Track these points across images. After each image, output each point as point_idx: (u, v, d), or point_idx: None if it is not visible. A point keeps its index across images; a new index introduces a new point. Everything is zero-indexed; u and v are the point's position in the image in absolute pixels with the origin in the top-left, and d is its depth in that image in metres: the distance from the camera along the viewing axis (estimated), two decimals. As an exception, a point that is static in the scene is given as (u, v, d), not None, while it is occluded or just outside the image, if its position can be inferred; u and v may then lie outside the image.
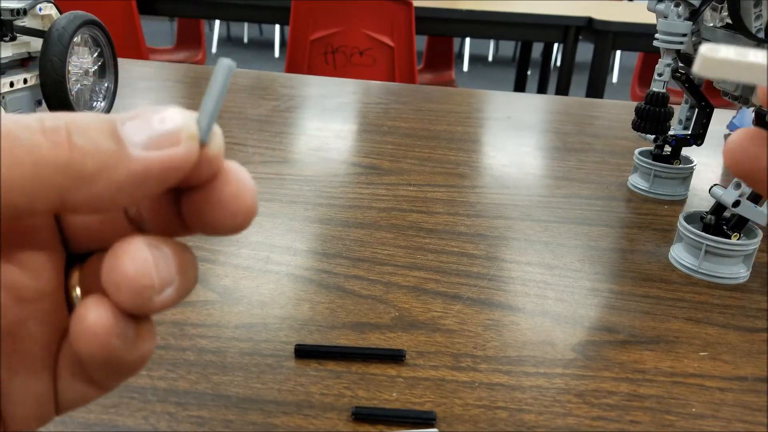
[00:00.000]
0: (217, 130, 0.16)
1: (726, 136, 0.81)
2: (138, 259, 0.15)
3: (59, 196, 0.14)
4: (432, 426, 0.30)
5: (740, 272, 0.45)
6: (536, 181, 0.62)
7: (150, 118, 0.15)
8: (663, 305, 0.41)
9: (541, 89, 2.61)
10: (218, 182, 0.16)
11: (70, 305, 0.17)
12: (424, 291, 0.41)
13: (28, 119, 0.14)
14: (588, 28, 1.93)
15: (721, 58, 0.16)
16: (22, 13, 0.56)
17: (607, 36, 1.89)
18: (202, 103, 0.16)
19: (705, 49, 0.16)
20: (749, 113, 0.77)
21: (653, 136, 0.58)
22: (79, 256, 0.17)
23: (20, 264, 0.16)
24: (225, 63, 0.16)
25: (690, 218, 0.47)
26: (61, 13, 0.61)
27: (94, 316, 0.15)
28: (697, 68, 0.16)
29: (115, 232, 0.17)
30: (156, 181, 0.14)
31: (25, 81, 0.58)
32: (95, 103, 0.65)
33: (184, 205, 0.16)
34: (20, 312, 0.16)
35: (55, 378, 0.17)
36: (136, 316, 0.16)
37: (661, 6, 0.52)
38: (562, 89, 2.03)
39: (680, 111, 0.60)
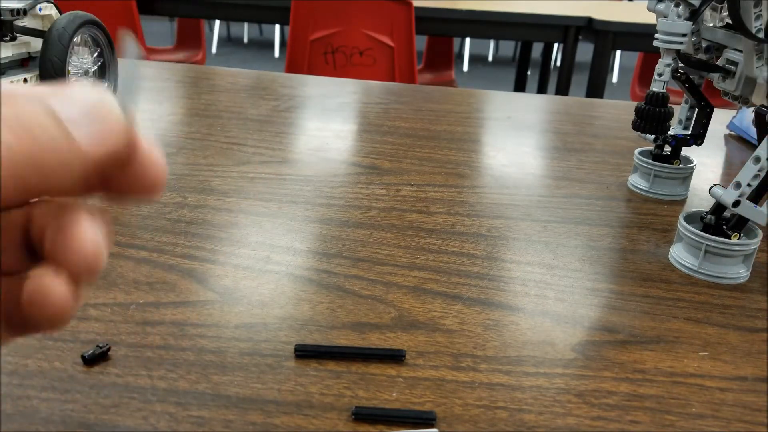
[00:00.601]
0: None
1: (726, 136, 0.81)
2: (93, 235, 0.16)
3: (29, 181, 0.15)
4: (432, 426, 0.30)
5: (740, 272, 0.45)
6: (536, 181, 0.62)
7: (78, 94, 0.16)
8: (663, 305, 0.41)
9: (541, 89, 2.61)
10: (137, 149, 0.17)
11: None
12: (424, 291, 0.41)
13: None
14: (588, 28, 1.93)
15: None
16: (22, 13, 0.56)
17: (607, 36, 1.89)
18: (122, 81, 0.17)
19: None
20: (749, 113, 0.77)
21: (653, 136, 0.58)
22: None
23: None
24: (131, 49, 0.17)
25: (690, 218, 0.47)
26: (61, 13, 0.61)
27: (59, 290, 0.16)
28: None
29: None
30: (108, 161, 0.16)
31: (25, 81, 0.58)
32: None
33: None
34: None
35: None
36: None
37: (661, 6, 0.52)
38: (562, 89, 2.03)
39: (680, 111, 0.60)
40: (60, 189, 0.15)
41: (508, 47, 5.00)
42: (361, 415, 0.30)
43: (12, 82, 0.56)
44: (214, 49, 4.62)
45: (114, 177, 0.17)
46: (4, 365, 0.32)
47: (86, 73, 0.62)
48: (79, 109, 0.16)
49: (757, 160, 0.44)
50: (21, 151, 0.14)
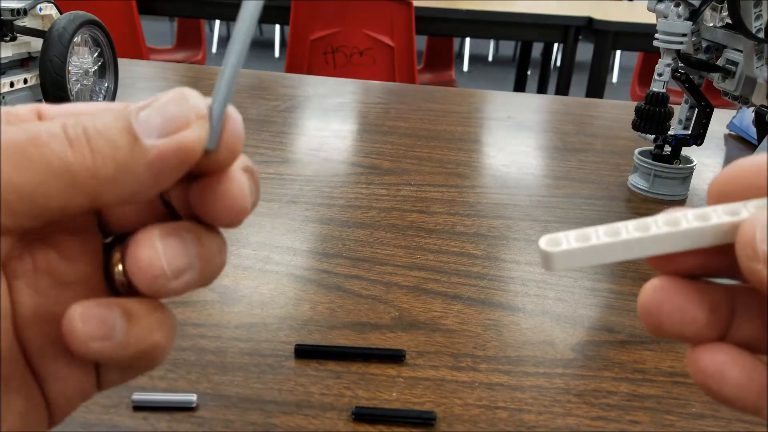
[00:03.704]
0: (233, 114, 0.16)
1: (726, 136, 0.81)
2: (148, 250, 0.16)
3: (90, 198, 0.15)
4: (432, 426, 0.30)
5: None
6: (536, 181, 0.62)
7: (160, 104, 0.15)
8: (663, 305, 0.41)
9: (541, 89, 2.60)
10: (224, 175, 0.16)
11: (113, 283, 0.18)
12: (424, 291, 0.41)
13: (51, 127, 0.15)
14: (588, 28, 1.93)
15: (564, 250, 0.15)
16: (22, 13, 0.56)
17: (607, 36, 1.89)
18: (219, 75, 0.16)
19: (544, 243, 0.15)
20: (749, 113, 0.77)
21: (653, 136, 0.58)
22: (121, 235, 0.18)
23: (58, 249, 0.17)
24: (250, 4, 0.16)
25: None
26: (61, 13, 0.61)
27: (79, 311, 0.16)
28: (545, 266, 0.15)
29: (150, 214, 0.18)
30: (172, 167, 0.15)
31: (26, 81, 0.58)
32: (95, 103, 0.65)
33: (191, 189, 0.17)
34: (59, 295, 0.17)
35: None
36: (155, 299, 0.17)
37: (661, 6, 0.52)
38: (562, 89, 2.03)
39: (680, 111, 0.60)
40: (127, 193, 0.15)
41: (508, 47, 5.00)
42: (361, 415, 0.30)
43: (12, 81, 0.56)
44: (214, 49, 4.62)
45: (198, 187, 0.16)
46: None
47: (86, 73, 0.62)
48: (145, 106, 0.15)
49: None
50: (76, 163, 0.14)
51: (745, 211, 0.14)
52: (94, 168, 0.15)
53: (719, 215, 0.15)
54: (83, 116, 0.15)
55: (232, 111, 0.16)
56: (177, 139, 0.15)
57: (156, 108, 0.15)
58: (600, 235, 0.15)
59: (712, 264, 0.16)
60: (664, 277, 0.16)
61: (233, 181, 0.16)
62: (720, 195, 0.15)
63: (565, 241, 0.15)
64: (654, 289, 0.15)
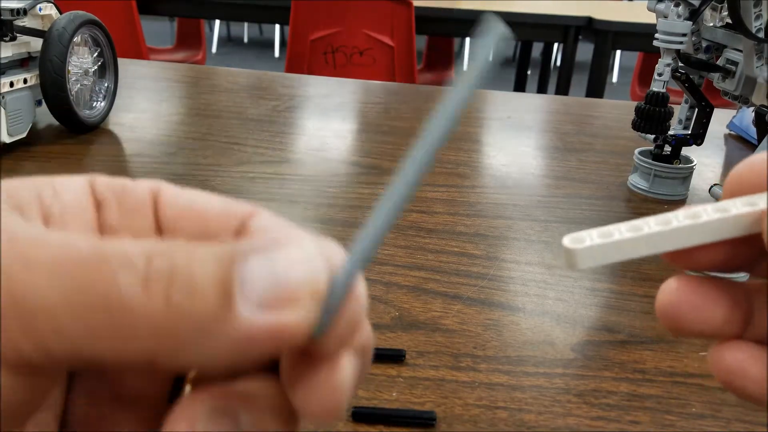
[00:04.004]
0: (358, 292, 0.13)
1: (726, 136, 0.81)
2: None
3: (145, 357, 0.11)
4: (432, 426, 0.30)
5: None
6: (536, 181, 0.62)
7: (279, 256, 0.12)
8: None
9: (541, 89, 2.60)
10: (326, 362, 0.13)
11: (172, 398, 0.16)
12: (424, 291, 0.41)
13: (130, 250, 0.11)
14: (588, 27, 1.93)
15: (587, 246, 0.15)
16: (22, 13, 0.56)
17: (607, 36, 1.89)
18: (369, 222, 0.12)
19: (567, 241, 0.15)
20: (749, 113, 0.77)
21: (653, 136, 0.58)
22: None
23: (123, 374, 0.15)
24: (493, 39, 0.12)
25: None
26: (61, 12, 0.61)
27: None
28: (569, 265, 0.15)
29: None
30: (260, 351, 0.12)
31: (25, 81, 0.58)
32: (95, 103, 0.66)
33: (280, 360, 0.14)
34: (122, 416, 0.15)
35: None
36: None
37: (661, 6, 0.52)
38: (562, 89, 2.03)
39: (680, 111, 0.60)
40: (196, 363, 0.12)
41: (508, 47, 5.00)
42: (360, 415, 0.30)
43: (11, 81, 0.56)
44: (214, 49, 4.62)
45: (284, 359, 0.13)
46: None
47: (86, 73, 0.62)
48: (258, 250, 0.12)
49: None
50: (142, 313, 0.11)
51: (763, 201, 0.15)
52: (163, 325, 0.11)
53: (738, 207, 0.15)
54: (181, 245, 0.12)
55: (359, 288, 0.13)
56: (276, 320, 0.11)
57: (270, 261, 0.12)
58: (622, 231, 0.15)
59: (729, 259, 0.16)
60: (681, 277, 0.16)
61: (335, 372, 0.13)
62: (736, 189, 0.15)
63: (588, 238, 0.15)
64: (671, 289, 0.15)
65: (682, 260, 0.16)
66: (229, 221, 0.16)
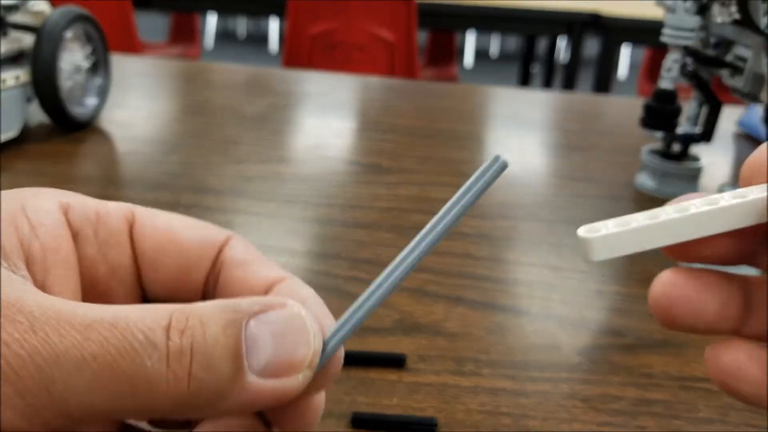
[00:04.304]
0: (339, 355, 0.15)
1: (735, 134, 0.80)
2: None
3: (160, 414, 0.13)
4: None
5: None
6: (541, 180, 0.61)
7: (278, 327, 0.14)
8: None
9: (546, 85, 2.59)
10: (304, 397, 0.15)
11: None
12: (426, 293, 0.40)
13: (151, 328, 0.13)
14: (595, 23, 1.92)
15: (603, 235, 0.15)
16: (14, 9, 0.55)
17: (614, 31, 1.88)
18: (352, 308, 0.15)
19: (582, 230, 0.15)
20: (759, 110, 0.76)
21: (662, 134, 0.57)
22: None
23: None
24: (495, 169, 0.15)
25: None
26: (53, 8, 0.60)
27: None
28: (586, 255, 0.15)
29: None
30: (260, 406, 0.14)
31: (17, 77, 0.57)
32: (87, 100, 0.65)
33: None
34: None
35: None
36: None
37: (669, 1, 0.51)
38: (568, 85, 2.02)
39: (689, 108, 0.59)
40: (203, 415, 0.14)
41: (512, 42, 4.98)
42: (360, 421, 0.29)
43: (3, 78, 0.56)
44: (209, 44, 4.60)
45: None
46: None
47: (78, 69, 0.61)
48: (262, 311, 0.14)
49: None
50: (167, 390, 0.13)
51: None
52: (186, 395, 0.13)
53: (756, 193, 0.15)
54: (193, 316, 0.13)
55: (340, 352, 0.15)
56: (279, 385, 0.14)
57: (271, 330, 0.14)
58: (639, 219, 0.15)
59: (729, 252, 0.15)
60: (677, 269, 0.15)
61: (312, 403, 0.16)
62: (753, 176, 0.15)
63: (604, 227, 0.15)
64: (665, 281, 0.15)
65: (683, 253, 0.15)
66: (206, 252, 0.17)
